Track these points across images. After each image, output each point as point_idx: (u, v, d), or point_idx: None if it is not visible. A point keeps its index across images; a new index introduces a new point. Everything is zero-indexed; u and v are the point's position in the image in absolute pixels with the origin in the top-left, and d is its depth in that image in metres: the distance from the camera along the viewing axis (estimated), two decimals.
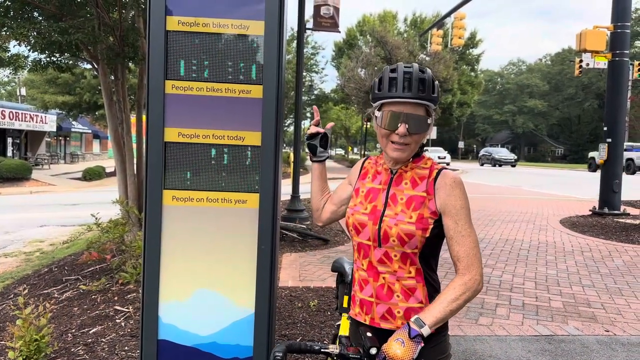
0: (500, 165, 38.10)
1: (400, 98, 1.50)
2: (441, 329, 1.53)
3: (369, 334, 1.44)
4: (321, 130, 1.82)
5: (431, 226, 1.53)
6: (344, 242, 7.56)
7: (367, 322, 1.61)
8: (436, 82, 1.56)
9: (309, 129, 1.87)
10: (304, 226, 8.24)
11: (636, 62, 21.53)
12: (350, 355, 1.42)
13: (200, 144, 2.25)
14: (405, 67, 1.54)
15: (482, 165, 40.61)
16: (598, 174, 10.95)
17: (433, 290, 1.58)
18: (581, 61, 12.54)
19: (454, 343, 3.79)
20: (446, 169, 1.60)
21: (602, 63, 10.90)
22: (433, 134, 31.47)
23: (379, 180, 1.66)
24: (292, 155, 9.26)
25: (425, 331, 1.39)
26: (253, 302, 2.27)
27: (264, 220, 2.25)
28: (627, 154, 27.96)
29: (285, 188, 7.36)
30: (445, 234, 1.54)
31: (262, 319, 2.27)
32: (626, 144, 35.08)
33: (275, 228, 2.28)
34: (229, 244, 2.27)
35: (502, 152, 40.75)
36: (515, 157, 41.35)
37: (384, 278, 1.57)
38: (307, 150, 1.85)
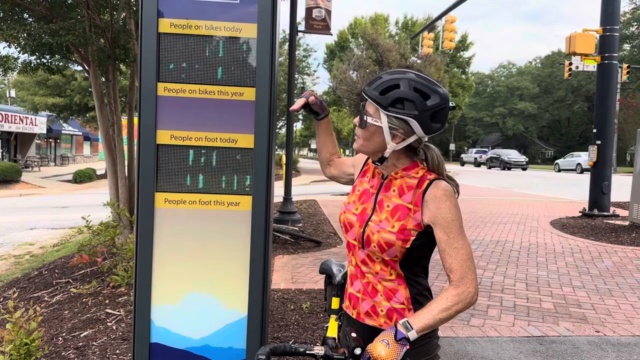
0: (509, 169, 34.97)
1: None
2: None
3: (353, 335, 1.45)
4: (302, 102, 1.88)
5: (413, 237, 1.51)
6: (336, 245, 7.56)
7: (354, 316, 1.65)
8: (399, 90, 1.48)
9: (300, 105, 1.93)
10: (296, 228, 8.24)
11: (625, 65, 21.82)
12: (335, 356, 1.42)
13: (193, 146, 2.24)
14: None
15: (489, 168, 37.50)
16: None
17: (416, 292, 1.58)
18: (571, 64, 12.68)
19: (446, 344, 3.81)
20: (439, 179, 1.54)
21: (591, 66, 11.03)
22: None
23: (372, 183, 1.67)
24: (284, 157, 9.24)
25: (412, 335, 1.39)
26: (246, 305, 2.27)
27: (256, 223, 2.25)
28: (476, 155, 42.91)
29: (278, 190, 7.35)
30: (437, 246, 1.52)
31: (254, 321, 2.27)
32: (476, 148, 42.68)
33: (268, 230, 2.28)
34: (221, 247, 2.27)
35: (512, 155, 37.11)
36: (527, 159, 37.64)
37: (367, 277, 1.61)
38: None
